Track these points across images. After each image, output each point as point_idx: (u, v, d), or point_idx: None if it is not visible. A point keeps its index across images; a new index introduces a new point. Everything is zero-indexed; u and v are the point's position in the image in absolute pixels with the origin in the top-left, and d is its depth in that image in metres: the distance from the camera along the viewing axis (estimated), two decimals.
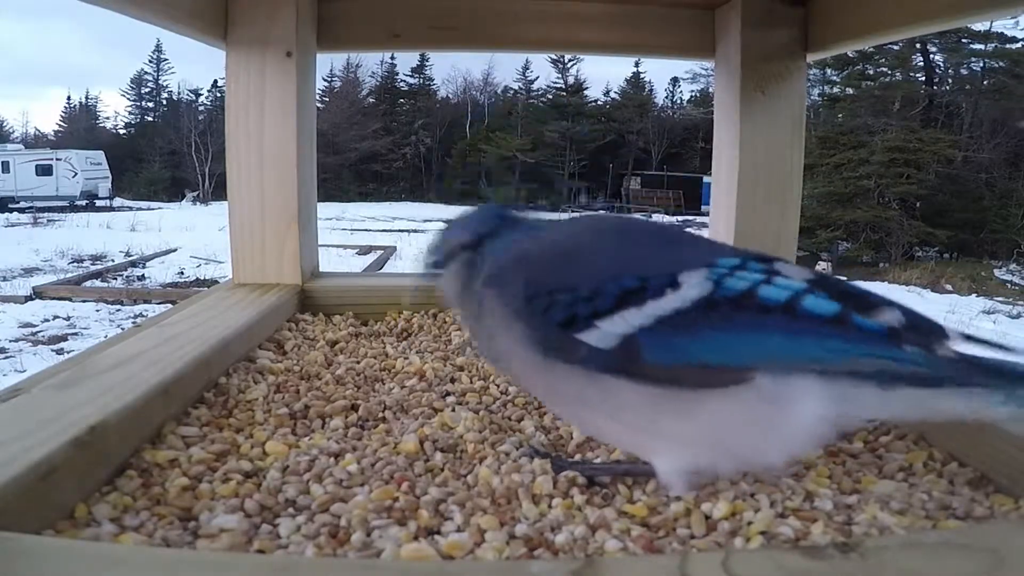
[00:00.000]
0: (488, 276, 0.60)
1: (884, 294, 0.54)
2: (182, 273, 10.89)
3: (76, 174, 25.65)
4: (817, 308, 0.50)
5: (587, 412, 0.57)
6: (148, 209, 25.20)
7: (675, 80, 38.74)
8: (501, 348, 0.59)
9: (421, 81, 39.85)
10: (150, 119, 43.01)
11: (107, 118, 48.47)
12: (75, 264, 11.98)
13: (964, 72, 22.71)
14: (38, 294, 8.59)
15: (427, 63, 38.80)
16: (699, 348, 0.50)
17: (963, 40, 20.75)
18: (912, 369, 0.48)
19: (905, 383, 0.49)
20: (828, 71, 21.51)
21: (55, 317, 7.71)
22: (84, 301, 8.46)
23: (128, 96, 44.24)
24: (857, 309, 0.50)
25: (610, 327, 0.52)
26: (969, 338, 0.51)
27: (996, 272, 15.94)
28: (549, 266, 0.58)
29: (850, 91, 21.57)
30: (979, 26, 18.89)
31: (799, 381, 0.51)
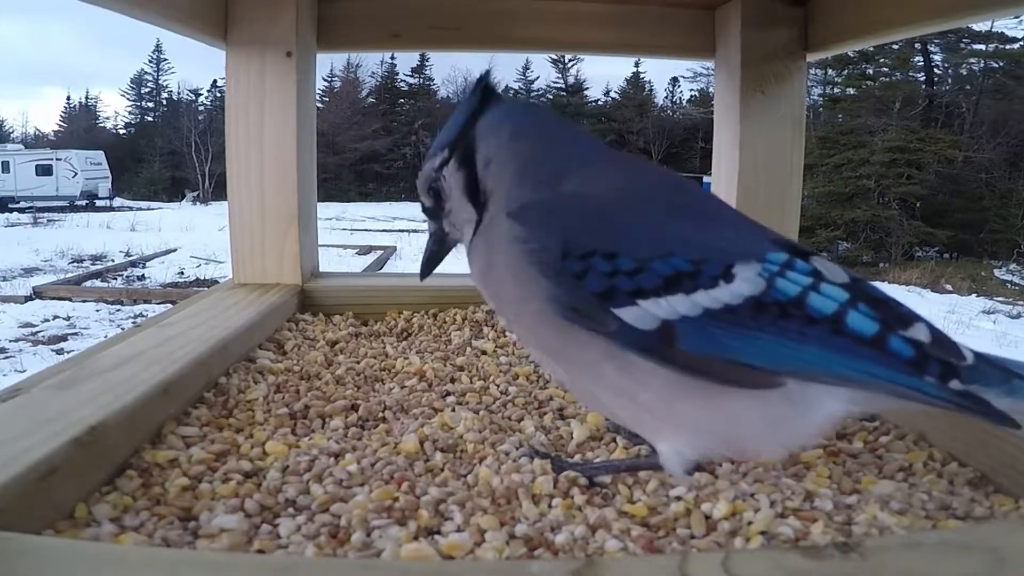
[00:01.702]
0: (512, 208, 0.54)
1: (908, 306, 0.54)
2: (182, 273, 10.89)
3: (76, 174, 25.64)
4: (859, 327, 0.50)
5: (594, 383, 0.54)
6: (148, 209, 25.20)
7: (675, 80, 38.70)
8: (511, 295, 0.55)
9: (421, 81, 39.83)
10: (150, 119, 42.99)
11: (107, 118, 48.44)
12: (75, 264, 11.98)
13: (964, 72, 22.70)
14: (38, 294, 8.59)
15: (427, 63, 38.80)
16: (741, 346, 0.49)
17: (963, 40, 20.75)
18: (926, 398, 0.49)
19: (918, 402, 0.51)
20: (828, 71, 21.51)
21: (55, 317, 7.71)
22: (84, 301, 8.46)
23: (128, 96, 44.24)
24: (893, 324, 0.50)
25: (653, 308, 0.49)
26: (980, 357, 0.52)
27: (996, 272, 15.93)
28: (591, 220, 0.53)
29: (850, 91, 21.56)
30: (979, 26, 18.89)
31: (825, 388, 0.51)
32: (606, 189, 0.55)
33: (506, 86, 40.40)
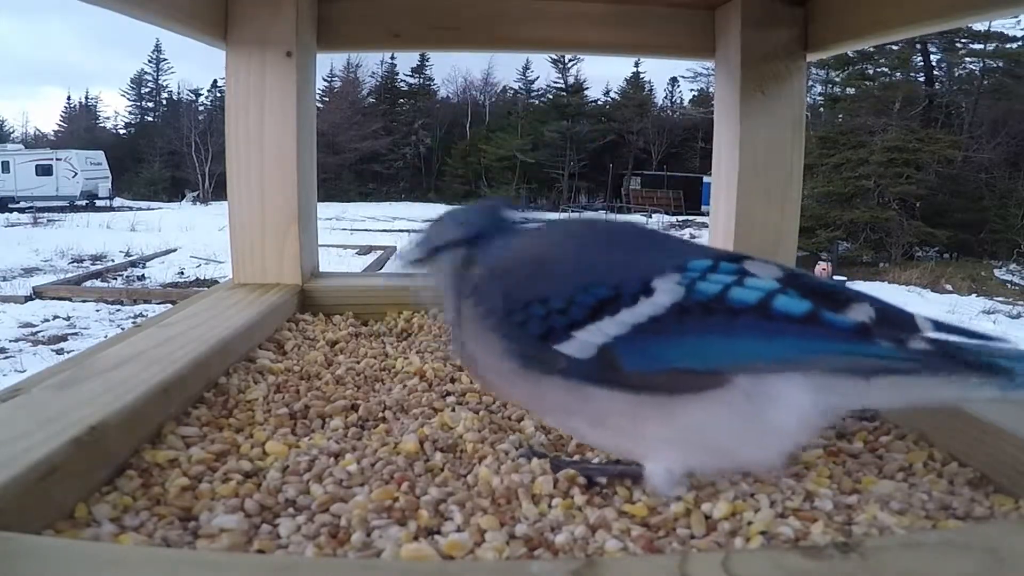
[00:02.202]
0: (471, 287, 0.60)
1: (856, 288, 0.54)
2: (182, 273, 10.90)
3: (76, 174, 25.65)
4: (788, 308, 0.50)
5: (571, 419, 0.58)
6: (148, 209, 25.22)
7: (675, 80, 38.76)
8: (480, 358, 0.60)
9: (421, 81, 39.86)
10: (150, 119, 43.02)
11: (107, 118, 48.53)
12: (75, 264, 11.99)
13: (964, 72, 22.71)
14: (38, 294, 8.60)
15: (427, 63, 38.83)
16: (675, 354, 0.51)
17: (963, 40, 20.76)
18: (883, 363, 0.49)
19: (882, 373, 0.50)
20: (828, 71, 21.52)
21: (55, 317, 7.72)
22: (84, 301, 8.47)
23: (128, 96, 44.27)
24: (828, 306, 0.50)
25: (587, 337, 0.52)
26: (940, 326, 0.51)
27: (996, 272, 15.94)
28: (524, 277, 0.58)
29: (850, 91, 21.57)
30: (979, 26, 18.89)
31: (778, 379, 0.51)
32: (534, 252, 0.61)
33: (505, 86, 40.48)
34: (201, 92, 40.81)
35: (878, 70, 21.51)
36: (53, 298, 8.48)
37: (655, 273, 0.52)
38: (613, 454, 0.64)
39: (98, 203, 26.12)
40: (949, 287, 13.56)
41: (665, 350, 0.51)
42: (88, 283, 9.79)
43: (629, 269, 0.54)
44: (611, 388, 0.53)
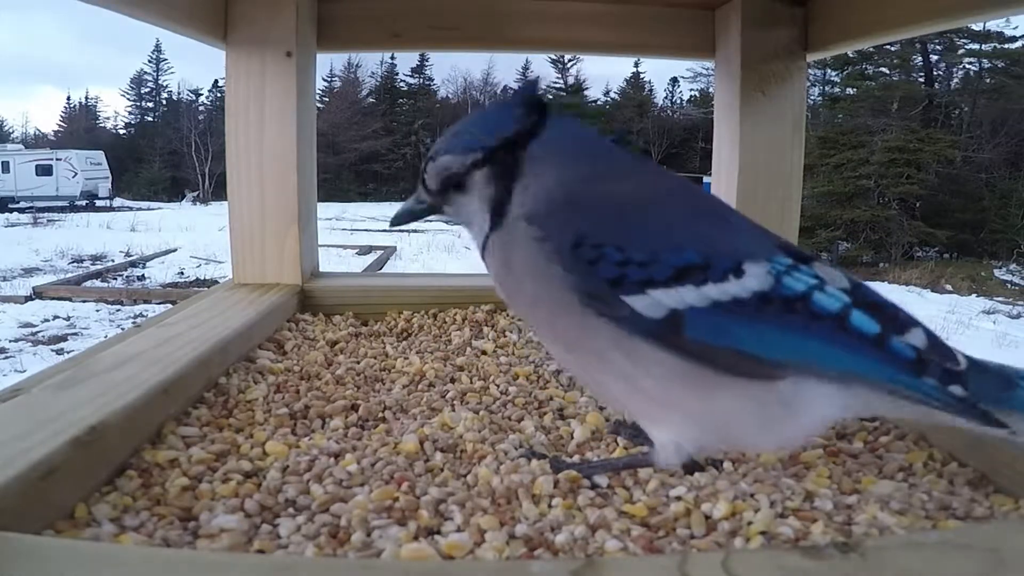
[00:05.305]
0: (533, 213, 0.57)
1: (905, 311, 0.55)
2: (182, 273, 10.89)
3: (76, 174, 25.64)
4: (862, 325, 0.51)
5: (602, 371, 0.56)
6: (148, 209, 25.21)
7: (675, 80, 38.71)
8: (530, 291, 0.57)
9: (421, 81, 39.86)
10: (150, 119, 43.00)
11: (107, 118, 48.50)
12: (75, 264, 11.98)
13: (963, 72, 22.72)
14: (38, 294, 8.59)
15: (427, 63, 38.83)
16: (746, 337, 0.51)
17: (962, 40, 20.76)
18: (925, 398, 0.51)
19: (920, 403, 0.52)
20: (828, 71, 21.53)
21: (55, 317, 7.72)
22: (84, 301, 8.46)
23: (128, 96, 44.25)
24: (892, 328, 0.52)
25: (663, 298, 0.51)
26: (975, 365, 0.53)
27: (996, 272, 15.94)
28: (608, 216, 0.55)
29: (850, 91, 21.57)
30: (978, 26, 18.88)
31: (826, 385, 0.52)
32: (626, 193, 0.58)
33: (505, 86, 40.45)
34: (201, 92, 40.84)
35: (878, 70, 21.51)
36: (53, 298, 8.47)
37: (747, 257, 0.52)
38: (624, 411, 0.63)
39: (98, 203, 26.11)
40: (949, 287, 13.55)
41: (737, 330, 0.51)
42: (88, 283, 9.78)
43: (721, 244, 0.53)
44: (666, 350, 0.52)
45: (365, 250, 12.51)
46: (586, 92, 36.21)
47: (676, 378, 0.53)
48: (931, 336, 0.53)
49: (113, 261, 12.16)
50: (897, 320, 0.53)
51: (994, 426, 0.50)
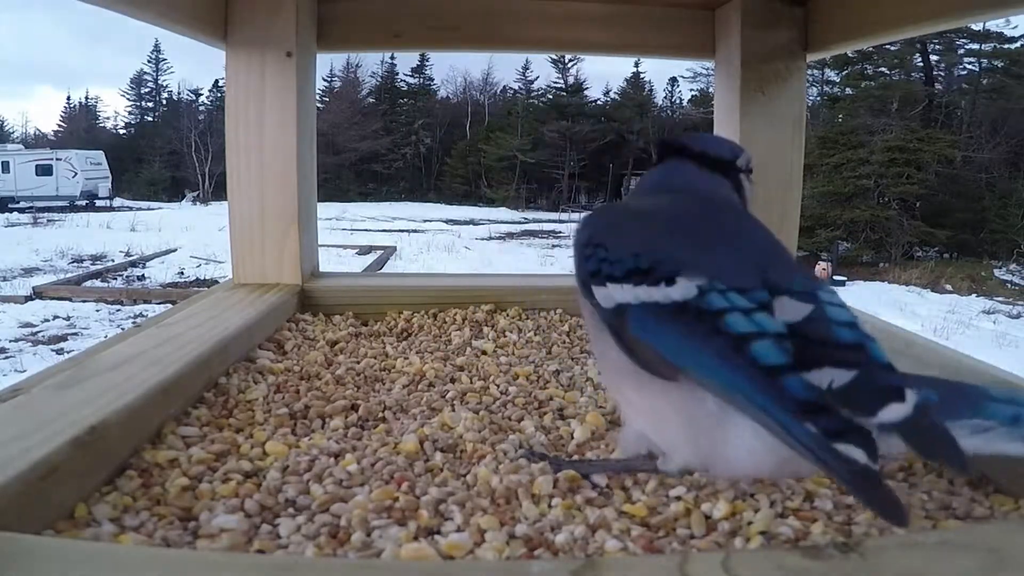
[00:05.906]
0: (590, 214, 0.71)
1: (878, 348, 0.51)
2: (182, 273, 10.90)
3: (76, 174, 25.65)
4: (763, 353, 0.49)
5: (595, 340, 0.64)
6: (148, 209, 25.22)
7: (675, 80, 38.68)
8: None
9: (421, 81, 39.85)
10: (150, 119, 43.00)
11: (107, 118, 48.53)
12: (75, 264, 11.99)
13: (963, 72, 22.72)
14: (38, 294, 8.60)
15: (427, 63, 38.82)
16: (660, 337, 0.56)
17: (962, 40, 20.76)
18: (796, 446, 0.46)
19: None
20: (828, 71, 21.53)
21: (55, 317, 7.72)
22: (84, 301, 8.47)
23: (128, 96, 44.24)
24: (804, 366, 0.48)
25: (614, 292, 0.59)
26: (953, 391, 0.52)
27: (996, 272, 15.95)
28: (608, 222, 0.68)
29: (850, 91, 21.58)
30: (977, 26, 18.89)
31: (734, 408, 0.51)
32: (639, 208, 0.71)
33: (504, 86, 40.47)
34: (201, 92, 40.85)
35: (877, 70, 21.52)
36: (53, 298, 8.48)
37: (688, 271, 0.56)
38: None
39: (98, 203, 26.12)
40: (949, 287, 13.56)
41: (655, 329, 0.56)
42: (88, 283, 9.79)
43: (677, 259, 0.58)
44: (614, 338, 0.59)
45: (365, 250, 12.52)
46: (586, 92, 36.19)
47: (623, 366, 0.58)
48: (865, 380, 0.48)
49: (113, 261, 12.17)
50: (832, 359, 0.49)
51: (868, 499, 0.45)
